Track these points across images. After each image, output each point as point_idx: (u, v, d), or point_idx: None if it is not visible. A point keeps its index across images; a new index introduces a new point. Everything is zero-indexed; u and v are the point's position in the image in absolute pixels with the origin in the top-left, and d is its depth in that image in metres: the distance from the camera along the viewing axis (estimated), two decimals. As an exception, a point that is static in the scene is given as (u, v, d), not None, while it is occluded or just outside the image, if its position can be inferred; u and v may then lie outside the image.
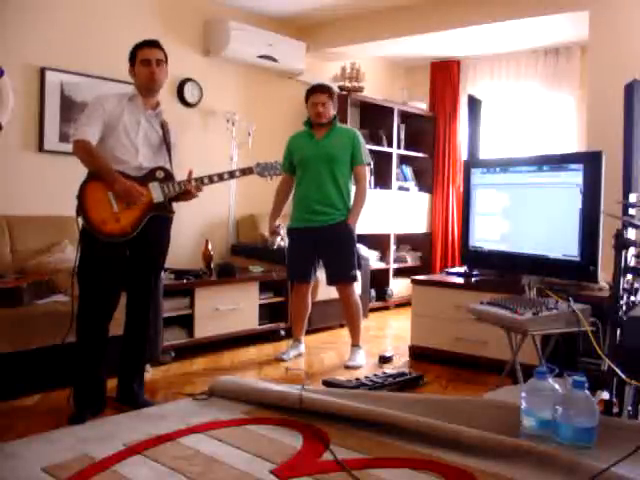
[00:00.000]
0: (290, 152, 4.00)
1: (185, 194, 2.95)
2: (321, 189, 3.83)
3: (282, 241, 4.09)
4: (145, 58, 2.87)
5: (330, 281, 3.97)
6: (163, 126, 2.96)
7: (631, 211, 2.67)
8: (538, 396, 2.31)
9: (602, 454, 2.09)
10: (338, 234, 3.85)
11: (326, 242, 3.85)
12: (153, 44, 2.93)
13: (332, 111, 3.88)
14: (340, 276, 3.90)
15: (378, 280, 5.82)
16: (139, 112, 2.90)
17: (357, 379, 3.32)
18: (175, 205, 2.97)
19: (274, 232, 4.08)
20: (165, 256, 3.05)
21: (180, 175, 2.97)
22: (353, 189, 3.97)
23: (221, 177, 3.03)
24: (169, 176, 2.91)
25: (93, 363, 2.82)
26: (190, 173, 2.97)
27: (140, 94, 2.92)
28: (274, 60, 5.18)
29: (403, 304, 5.89)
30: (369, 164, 4.01)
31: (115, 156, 2.81)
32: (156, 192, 2.86)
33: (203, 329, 4.03)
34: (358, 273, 4.81)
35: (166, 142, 2.95)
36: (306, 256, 3.92)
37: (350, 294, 3.92)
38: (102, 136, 2.81)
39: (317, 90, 3.88)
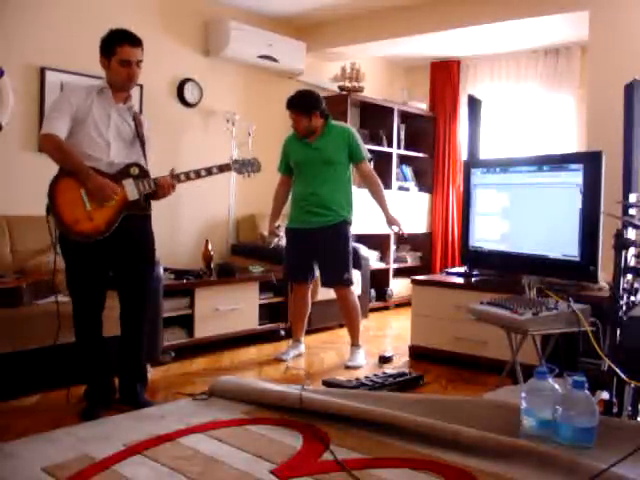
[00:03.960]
0: (286, 154, 3.99)
1: (159, 191, 2.84)
2: (317, 191, 3.81)
3: (280, 241, 4.09)
4: (127, 59, 2.73)
5: (323, 284, 3.97)
6: (135, 119, 2.85)
7: (631, 211, 2.67)
8: (538, 396, 2.31)
9: (602, 454, 2.09)
10: (334, 236, 3.83)
11: (321, 244, 3.83)
12: (136, 42, 2.76)
13: (312, 123, 3.77)
14: (333, 279, 3.87)
15: (378, 280, 5.81)
16: (109, 105, 2.79)
17: (357, 379, 3.32)
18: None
19: (273, 233, 4.08)
20: (153, 253, 2.99)
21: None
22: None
23: (198, 174, 2.94)
24: (144, 172, 2.82)
25: (94, 361, 2.85)
26: (172, 171, 2.90)
27: (110, 88, 2.80)
28: (274, 60, 5.18)
29: (403, 304, 5.89)
30: (368, 158, 3.97)
31: (86, 152, 2.71)
32: (130, 189, 2.77)
33: (203, 329, 4.03)
34: (358, 273, 4.83)
35: (139, 136, 2.84)
36: (304, 257, 3.91)
37: (346, 295, 3.90)
38: (71, 131, 2.70)
39: (288, 106, 3.81)
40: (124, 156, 2.82)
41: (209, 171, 2.98)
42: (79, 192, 2.69)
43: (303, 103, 3.78)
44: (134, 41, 2.76)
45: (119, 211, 2.75)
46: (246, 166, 3.17)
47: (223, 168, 3.05)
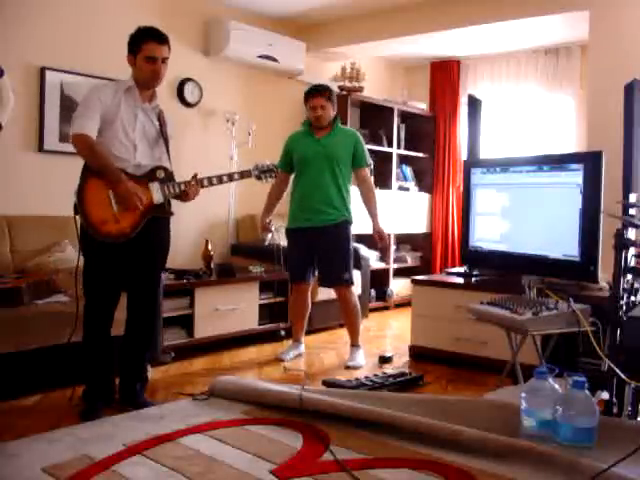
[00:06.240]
0: (289, 151, 3.98)
1: (184, 195, 2.91)
2: (321, 188, 3.81)
3: (274, 236, 4.09)
4: (152, 56, 2.74)
5: (322, 283, 3.96)
6: (160, 118, 2.89)
7: (631, 211, 2.67)
8: (538, 396, 2.31)
9: (602, 454, 2.09)
10: (335, 236, 3.83)
11: (323, 243, 3.83)
12: (162, 40, 2.77)
13: (332, 112, 3.85)
14: (332, 279, 3.88)
15: (378, 280, 5.82)
16: (136, 105, 2.81)
17: (357, 379, 3.32)
18: (175, 205, 2.96)
19: (266, 229, 4.08)
20: (166, 256, 3.03)
21: (177, 172, 2.95)
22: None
23: (220, 180, 3.03)
24: (169, 176, 2.87)
25: (100, 361, 2.84)
26: (195, 176, 2.94)
27: (137, 86, 2.82)
28: (274, 60, 5.18)
29: (403, 304, 5.89)
30: (369, 165, 4.00)
31: (113, 153, 2.74)
32: (157, 193, 2.82)
33: (203, 329, 4.03)
34: (358, 273, 4.83)
35: (164, 135, 2.88)
36: (305, 256, 3.90)
37: (347, 295, 3.89)
38: (99, 129, 2.72)
39: (315, 93, 3.83)
40: (149, 156, 2.85)
41: (230, 177, 3.08)
42: (107, 193, 2.71)
43: (330, 90, 3.87)
44: (160, 38, 2.77)
45: (144, 214, 2.79)
46: (265, 173, 3.27)
47: (244, 174, 3.17)
